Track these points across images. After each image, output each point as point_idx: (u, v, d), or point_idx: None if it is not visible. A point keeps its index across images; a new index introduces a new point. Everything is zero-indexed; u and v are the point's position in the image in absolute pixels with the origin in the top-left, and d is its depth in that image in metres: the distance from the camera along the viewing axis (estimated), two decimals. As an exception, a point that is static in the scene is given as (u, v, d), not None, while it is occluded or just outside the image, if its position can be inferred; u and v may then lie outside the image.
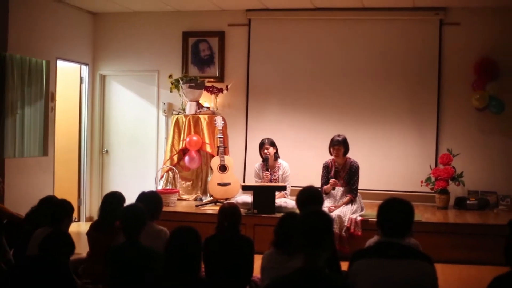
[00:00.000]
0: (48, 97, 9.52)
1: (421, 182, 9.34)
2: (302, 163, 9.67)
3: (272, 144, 8.69)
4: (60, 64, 10.05)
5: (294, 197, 8.45)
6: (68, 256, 4.84)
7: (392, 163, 9.81)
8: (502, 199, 9.37)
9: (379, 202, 8.83)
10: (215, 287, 5.61)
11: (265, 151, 8.63)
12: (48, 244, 4.74)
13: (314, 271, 3.41)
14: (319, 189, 7.33)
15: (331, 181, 8.03)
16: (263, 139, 8.75)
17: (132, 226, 4.94)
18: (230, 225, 5.82)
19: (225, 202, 8.15)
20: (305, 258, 3.44)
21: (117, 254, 4.92)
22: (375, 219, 7.67)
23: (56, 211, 5.76)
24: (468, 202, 9.19)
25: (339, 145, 8.02)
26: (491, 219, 8.49)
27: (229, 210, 5.90)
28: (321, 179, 8.20)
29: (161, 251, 4.88)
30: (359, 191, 8.24)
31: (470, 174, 9.33)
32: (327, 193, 8.09)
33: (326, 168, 8.19)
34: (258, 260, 5.79)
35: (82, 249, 6.93)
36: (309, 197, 5.83)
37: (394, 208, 4.12)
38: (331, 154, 8.12)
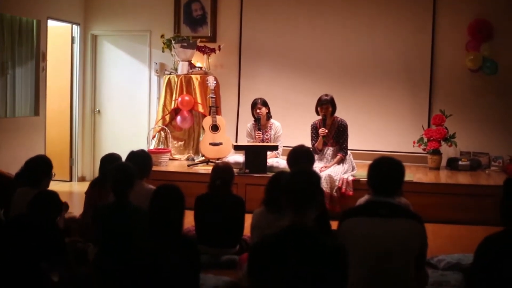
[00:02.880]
0: (39, 57, 9.49)
1: (414, 142, 9.31)
2: (294, 124, 9.61)
3: (265, 104, 8.67)
4: (51, 23, 9.94)
5: (286, 157, 8.56)
6: (56, 215, 4.83)
7: (384, 123, 9.76)
8: (494, 160, 9.36)
9: (371, 162, 8.95)
10: (206, 245, 5.65)
11: (258, 110, 8.61)
12: (37, 204, 4.73)
13: (302, 229, 3.40)
14: (310, 148, 7.31)
15: (320, 130, 8.01)
16: (255, 99, 8.72)
17: (121, 185, 4.94)
18: (222, 183, 5.84)
19: (219, 161, 8.16)
20: (292, 217, 3.43)
21: (105, 213, 4.91)
22: (366, 179, 7.81)
23: (34, 169, 5.68)
24: (460, 162, 9.17)
25: (327, 104, 8.01)
26: (483, 180, 8.47)
27: (222, 169, 5.94)
28: (311, 140, 8.19)
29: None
30: (350, 151, 8.25)
31: (462, 135, 9.30)
32: (320, 150, 8.09)
33: (315, 128, 8.17)
34: (249, 220, 5.82)
35: (74, 208, 6.97)
36: (300, 156, 5.83)
37: (385, 167, 4.10)
38: (318, 114, 8.10)
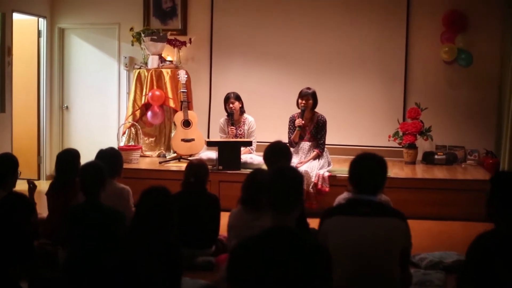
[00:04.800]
0: (5, 52, 9.21)
1: (389, 136, 9.21)
2: (268, 118, 9.47)
3: (238, 98, 8.48)
4: (16, 16, 9.67)
5: (260, 153, 8.39)
6: (25, 219, 4.61)
7: (359, 117, 9.65)
8: (470, 153, 9.31)
9: (346, 157, 8.96)
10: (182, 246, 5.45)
11: (231, 105, 8.43)
12: (4, 206, 4.52)
13: (284, 231, 3.25)
14: (287, 144, 7.16)
15: (297, 121, 7.87)
16: (228, 93, 8.53)
17: (92, 184, 4.76)
18: (197, 181, 5.67)
19: (192, 158, 8.07)
20: (274, 217, 3.28)
21: (76, 214, 4.74)
22: (342, 175, 7.83)
23: None
24: (436, 156, 9.09)
25: (307, 96, 7.87)
26: (460, 174, 8.40)
27: (197, 166, 5.78)
28: (288, 133, 8.05)
29: (123, 211, 4.73)
30: (326, 146, 8.09)
31: (438, 128, 9.21)
32: (296, 143, 7.94)
33: (293, 121, 8.01)
34: (223, 218, 5.68)
35: (42, 209, 6.70)
36: (277, 152, 5.70)
37: (367, 164, 3.97)
38: (298, 107, 7.94)
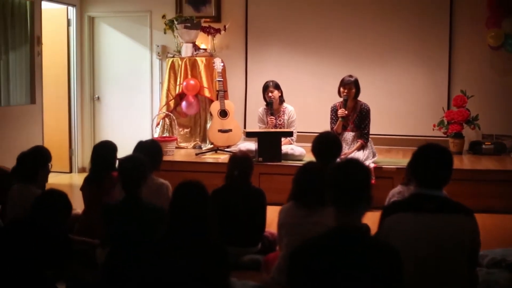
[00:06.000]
0: (34, 41, 9.00)
1: (434, 125, 8.89)
2: (307, 108, 9.22)
3: (277, 86, 8.19)
4: (45, 5, 9.47)
5: (301, 144, 8.16)
6: (63, 219, 4.33)
7: (401, 105, 9.33)
8: (518, 143, 8.94)
9: (388, 147, 8.65)
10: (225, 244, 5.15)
11: (269, 94, 8.14)
12: (43, 205, 4.24)
13: (350, 231, 2.95)
14: (337, 135, 6.85)
15: (339, 111, 7.58)
16: (267, 82, 8.25)
17: (132, 179, 4.47)
18: (241, 174, 5.37)
19: (234, 150, 7.89)
20: (338, 216, 3.00)
21: (115, 211, 4.46)
22: (388, 166, 7.43)
23: (28, 163, 5.20)
24: (483, 146, 8.73)
25: (350, 85, 7.56)
26: (509, 164, 8.02)
27: (241, 159, 5.47)
28: (331, 123, 7.75)
29: (163, 208, 4.43)
30: (369, 136, 7.78)
31: (484, 117, 8.85)
32: (339, 133, 7.60)
33: (335, 110, 7.71)
34: (270, 214, 5.45)
35: (75, 203, 6.41)
36: (328, 144, 5.41)
37: (434, 157, 3.69)
38: (340, 96, 7.63)
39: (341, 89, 7.61)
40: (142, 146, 5.45)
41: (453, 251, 3.49)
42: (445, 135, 8.83)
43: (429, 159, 3.68)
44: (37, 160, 5.22)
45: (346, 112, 7.56)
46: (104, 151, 5.59)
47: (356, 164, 3.13)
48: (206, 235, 3.57)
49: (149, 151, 5.29)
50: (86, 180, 5.64)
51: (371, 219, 3.02)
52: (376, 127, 8.44)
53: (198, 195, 3.61)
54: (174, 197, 3.64)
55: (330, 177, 3.08)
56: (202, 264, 3.47)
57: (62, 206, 4.31)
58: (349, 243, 2.91)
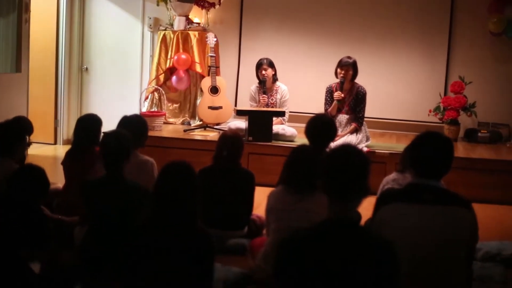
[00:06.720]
0: (22, 8, 8.75)
1: (429, 111, 8.70)
2: (300, 87, 9.02)
3: (271, 64, 8.01)
4: (35, -29, 9.21)
5: (293, 124, 8.00)
6: (41, 196, 4.12)
7: (398, 90, 9.16)
8: (515, 132, 8.81)
9: (382, 131, 8.51)
10: (210, 227, 4.96)
11: (263, 72, 7.96)
12: (18, 181, 4.06)
13: (344, 222, 2.76)
14: (331, 118, 6.66)
15: (336, 94, 7.39)
16: (261, 59, 8.06)
17: (115, 156, 4.26)
18: (230, 155, 5.18)
19: (223, 127, 7.80)
20: (331, 206, 2.79)
21: (96, 189, 4.24)
22: (382, 150, 7.26)
23: (5, 135, 4.97)
24: (479, 134, 8.57)
25: (348, 66, 7.34)
26: (505, 154, 7.86)
27: (231, 138, 5.28)
28: (325, 104, 7.56)
29: (147, 187, 4.25)
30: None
31: (481, 104, 8.66)
32: (333, 116, 7.41)
33: (330, 92, 7.53)
34: (258, 197, 5.31)
35: (57, 177, 6.25)
36: (322, 128, 5.24)
37: (434, 145, 3.52)
38: (336, 77, 7.44)
39: (338, 70, 7.41)
40: (126, 121, 5.21)
41: (452, 245, 3.36)
42: (441, 121, 8.65)
43: (430, 148, 3.52)
44: (13, 132, 5.01)
45: (343, 95, 7.37)
46: (88, 124, 5.40)
47: (353, 151, 2.92)
48: (192, 220, 3.38)
49: (134, 126, 5.08)
50: (67, 154, 5.43)
51: (363, 205, 2.83)
52: (370, 110, 8.26)
53: (186, 178, 3.41)
54: (161, 179, 3.43)
55: (325, 164, 2.87)
56: (186, 250, 3.31)
57: (39, 183, 4.12)
58: (343, 236, 2.72)
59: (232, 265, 4.50)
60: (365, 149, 7.30)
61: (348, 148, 2.95)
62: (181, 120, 9.14)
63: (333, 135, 5.35)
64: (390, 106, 9.13)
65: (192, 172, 3.42)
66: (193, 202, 3.38)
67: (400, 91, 9.15)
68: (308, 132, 5.25)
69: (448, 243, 3.34)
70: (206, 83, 8.42)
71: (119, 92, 10.00)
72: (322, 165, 2.88)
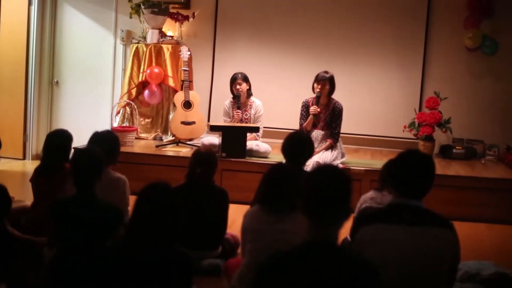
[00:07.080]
0: (-9, 20, 8.60)
1: (404, 127, 8.61)
2: (274, 102, 8.94)
3: (246, 79, 7.93)
4: (5, -18, 9.05)
5: (266, 140, 7.90)
6: (3, 215, 3.96)
7: (372, 105, 9.09)
8: (489, 148, 8.77)
9: (357, 147, 8.45)
10: (183, 247, 4.83)
11: (237, 86, 7.86)
12: None
13: (325, 246, 2.66)
14: (308, 135, 6.57)
15: (312, 108, 7.30)
16: (235, 73, 7.97)
17: (86, 174, 4.12)
18: (203, 172, 5.06)
19: (195, 143, 7.77)
20: (312, 229, 2.70)
21: (66, 208, 4.08)
22: (357, 167, 7.18)
23: None
24: (454, 150, 8.55)
25: (324, 81, 7.28)
26: (483, 171, 7.81)
27: (205, 155, 5.16)
28: (300, 119, 7.47)
29: (120, 206, 4.12)
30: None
31: (456, 120, 8.58)
32: (308, 131, 7.34)
33: (306, 106, 7.44)
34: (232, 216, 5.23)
35: (25, 194, 6.08)
36: (299, 145, 5.17)
37: (416, 163, 3.49)
38: (313, 92, 7.37)
39: (315, 85, 7.34)
40: (98, 138, 5.10)
41: (434, 266, 3.30)
42: (416, 137, 8.57)
43: (412, 168, 3.47)
44: None
45: (319, 109, 7.28)
46: (58, 140, 5.25)
47: (335, 172, 2.82)
48: (171, 242, 3.31)
49: (105, 143, 4.96)
50: (36, 171, 5.26)
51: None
52: (345, 125, 8.18)
53: (167, 201, 3.35)
54: (140, 201, 3.33)
55: (305, 186, 2.77)
56: (165, 273, 3.23)
57: (2, 200, 3.93)
58: (324, 258, 2.62)
59: (207, 287, 4.42)
60: (340, 165, 7.21)
61: (328, 169, 2.85)
62: (153, 136, 9.00)
63: (310, 153, 5.27)
64: (365, 121, 9.06)
65: (172, 194, 3.35)
66: (174, 224, 3.29)
67: (374, 106, 9.09)
68: (285, 149, 5.16)
69: (431, 265, 3.28)
70: (179, 97, 8.29)
71: (90, 106, 9.85)
72: (302, 186, 2.79)
